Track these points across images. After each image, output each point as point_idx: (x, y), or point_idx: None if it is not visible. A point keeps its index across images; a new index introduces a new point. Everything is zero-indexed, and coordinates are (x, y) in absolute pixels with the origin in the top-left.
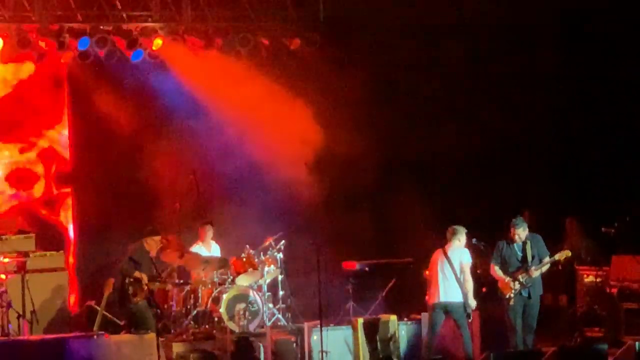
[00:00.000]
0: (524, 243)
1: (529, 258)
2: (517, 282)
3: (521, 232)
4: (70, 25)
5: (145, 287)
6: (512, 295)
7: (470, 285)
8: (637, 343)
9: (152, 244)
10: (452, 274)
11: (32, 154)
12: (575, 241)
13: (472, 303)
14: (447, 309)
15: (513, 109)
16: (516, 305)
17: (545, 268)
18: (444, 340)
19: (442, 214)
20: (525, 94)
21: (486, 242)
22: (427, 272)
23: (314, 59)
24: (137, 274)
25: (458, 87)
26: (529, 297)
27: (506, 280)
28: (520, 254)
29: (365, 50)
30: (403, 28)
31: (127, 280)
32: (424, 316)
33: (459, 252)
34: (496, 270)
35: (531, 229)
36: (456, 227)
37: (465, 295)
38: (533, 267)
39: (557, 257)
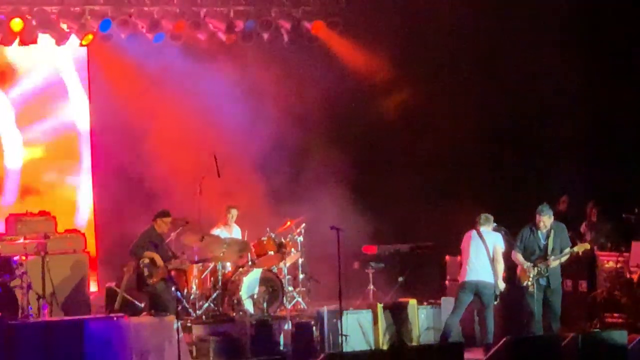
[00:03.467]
0: (548, 231)
1: (550, 247)
2: (536, 270)
3: (547, 220)
4: (92, 7)
5: (160, 268)
6: (529, 283)
7: (501, 267)
8: None
9: (163, 225)
10: (485, 254)
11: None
12: (596, 227)
13: (501, 285)
14: (477, 289)
15: (542, 94)
16: (535, 292)
17: (564, 259)
18: (464, 324)
19: (466, 199)
20: (552, 79)
21: (508, 229)
22: (447, 257)
23: (335, 43)
24: (147, 253)
25: (483, 71)
26: (548, 285)
27: (525, 267)
28: (543, 242)
29: (388, 33)
30: (425, 11)
31: (140, 263)
32: (444, 300)
33: (493, 235)
34: (518, 257)
35: (568, 215)
36: (487, 214)
37: (495, 277)
38: (552, 257)
39: (576, 249)
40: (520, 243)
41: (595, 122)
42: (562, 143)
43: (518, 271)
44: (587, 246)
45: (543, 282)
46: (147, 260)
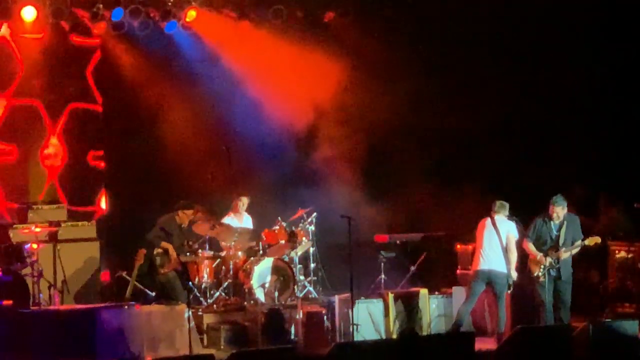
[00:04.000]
0: (561, 223)
1: (562, 239)
2: (547, 260)
3: (560, 211)
4: None
5: (173, 258)
6: (539, 273)
7: (514, 256)
8: None
9: (184, 217)
10: (499, 244)
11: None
12: (609, 217)
13: (514, 274)
14: (490, 279)
15: (553, 83)
16: (545, 282)
17: (575, 251)
18: (474, 314)
19: (478, 188)
20: (563, 69)
21: (520, 217)
22: (459, 246)
23: (347, 31)
24: (163, 244)
25: (495, 59)
26: (559, 276)
27: (538, 258)
28: (555, 232)
29: (400, 21)
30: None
31: (155, 252)
32: (455, 290)
33: (507, 223)
34: (529, 246)
35: (579, 204)
36: (503, 201)
37: (508, 266)
38: (563, 249)
39: (587, 242)
40: (533, 233)
41: (607, 110)
42: (575, 131)
43: (529, 261)
44: (598, 239)
45: (554, 272)
46: (161, 250)
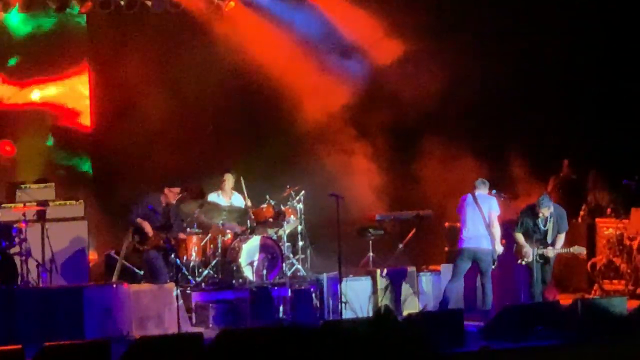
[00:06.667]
0: (547, 218)
1: (550, 233)
2: (535, 251)
3: (546, 211)
4: None
5: (150, 236)
6: (527, 261)
7: (497, 231)
8: None
9: (170, 195)
10: (482, 220)
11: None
12: (599, 194)
13: (499, 249)
14: (475, 256)
15: (546, 60)
16: (533, 264)
17: (562, 251)
18: (466, 291)
19: (466, 166)
20: (558, 47)
21: (507, 195)
22: (447, 224)
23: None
24: (139, 221)
25: (487, 34)
26: (547, 262)
27: (525, 250)
28: (543, 227)
29: None
30: None
31: (132, 229)
32: (444, 267)
33: (488, 199)
34: (518, 238)
35: (568, 180)
36: (484, 179)
37: (492, 241)
38: (550, 248)
39: (571, 250)
40: (520, 227)
41: (596, 87)
42: (563, 107)
43: (517, 248)
44: (584, 250)
45: (541, 260)
46: (137, 228)
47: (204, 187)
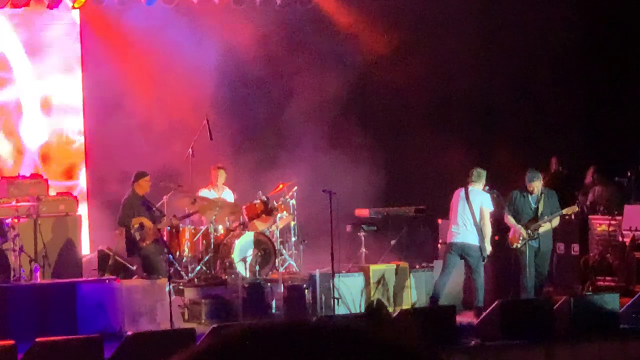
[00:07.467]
0: (539, 196)
1: (541, 211)
2: (527, 232)
3: (537, 184)
4: None
5: (151, 230)
6: (518, 245)
7: (488, 229)
8: None
9: (144, 184)
10: (471, 217)
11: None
12: (598, 191)
13: (488, 247)
14: (463, 251)
15: (538, 59)
16: (527, 252)
17: (555, 223)
18: (460, 287)
19: (458, 162)
20: (550, 44)
21: (499, 191)
22: (440, 220)
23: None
24: (135, 219)
25: (479, 31)
26: (539, 248)
27: (517, 229)
28: (533, 205)
29: None
30: None
31: (131, 229)
32: (437, 263)
33: (480, 195)
34: (509, 219)
35: (561, 174)
36: (480, 169)
37: (482, 239)
38: (541, 221)
39: (564, 211)
40: (511, 206)
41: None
42: (557, 104)
43: (510, 234)
44: (576, 208)
45: (534, 244)
46: (136, 225)
47: (194, 183)
